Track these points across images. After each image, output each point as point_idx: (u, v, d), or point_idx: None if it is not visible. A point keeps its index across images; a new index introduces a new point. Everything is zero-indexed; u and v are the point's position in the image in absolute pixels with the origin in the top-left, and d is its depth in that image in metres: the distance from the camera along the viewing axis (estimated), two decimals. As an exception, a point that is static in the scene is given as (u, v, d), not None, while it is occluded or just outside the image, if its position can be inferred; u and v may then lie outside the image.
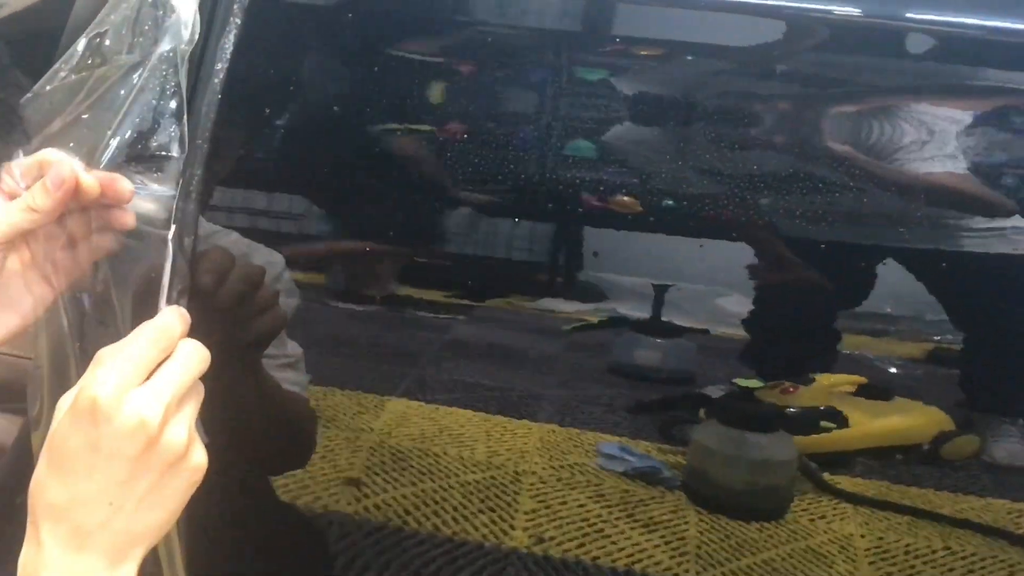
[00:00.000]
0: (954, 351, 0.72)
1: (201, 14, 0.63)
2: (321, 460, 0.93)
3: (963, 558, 0.84)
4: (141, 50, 0.60)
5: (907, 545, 0.85)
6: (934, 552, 0.84)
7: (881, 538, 0.85)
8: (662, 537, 0.89)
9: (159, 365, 0.45)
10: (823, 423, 0.85)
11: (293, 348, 0.81)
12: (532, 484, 0.94)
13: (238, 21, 0.65)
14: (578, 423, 0.91)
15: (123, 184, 0.51)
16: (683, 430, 0.86)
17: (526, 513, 0.93)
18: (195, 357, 0.46)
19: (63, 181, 0.45)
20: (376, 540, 0.95)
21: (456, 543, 0.93)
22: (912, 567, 0.84)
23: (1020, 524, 0.82)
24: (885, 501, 0.86)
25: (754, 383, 0.89)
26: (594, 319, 0.79)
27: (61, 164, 0.46)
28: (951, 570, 0.82)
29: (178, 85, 0.58)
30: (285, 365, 0.76)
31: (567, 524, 0.92)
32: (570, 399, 0.86)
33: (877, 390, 0.80)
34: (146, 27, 0.60)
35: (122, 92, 0.59)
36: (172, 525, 0.45)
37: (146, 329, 0.46)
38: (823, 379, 0.80)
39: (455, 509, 0.93)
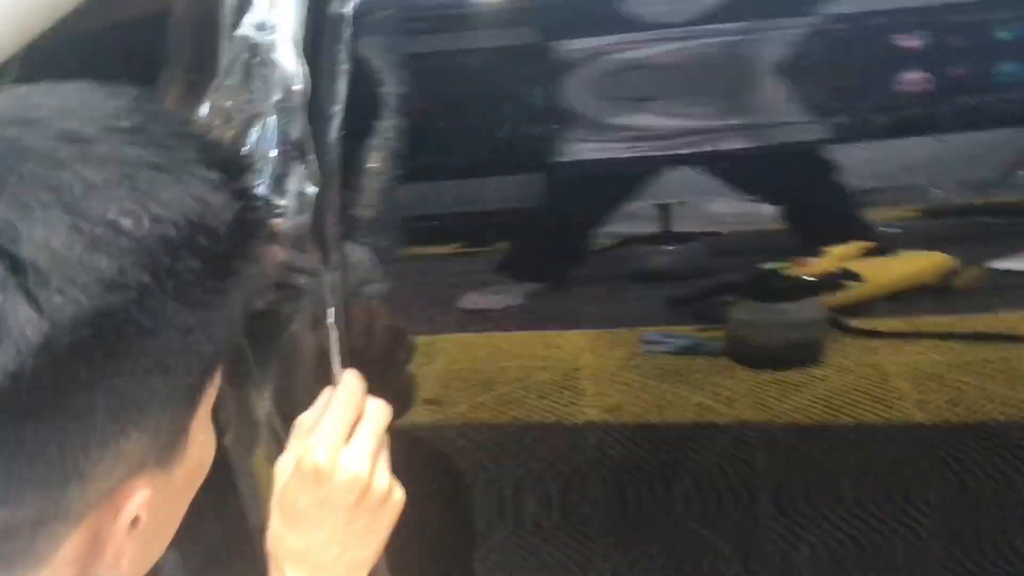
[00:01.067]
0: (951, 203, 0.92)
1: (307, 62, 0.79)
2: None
3: (988, 361, 1.10)
4: (256, 105, 0.77)
5: (937, 362, 1.11)
6: (962, 363, 1.11)
7: (909, 361, 1.11)
8: (718, 393, 1.18)
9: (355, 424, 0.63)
10: (842, 282, 1.07)
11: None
12: (590, 374, 1.22)
13: (345, 65, 0.83)
14: (618, 324, 1.15)
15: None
16: (717, 312, 1.09)
17: (591, 395, 1.22)
18: (382, 414, 0.66)
19: None
20: (464, 435, 1.26)
21: (533, 424, 1.24)
22: (943, 377, 1.11)
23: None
24: (905, 332, 1.10)
25: (778, 264, 1.10)
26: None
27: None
28: (978, 374, 1.09)
29: (300, 129, 0.76)
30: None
31: (630, 396, 1.20)
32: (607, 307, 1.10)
33: (882, 249, 1.00)
34: (257, 84, 0.78)
35: (247, 144, 0.76)
36: (382, 549, 0.66)
37: (341, 396, 0.65)
38: (833, 249, 1.01)
39: (528, 401, 1.22)
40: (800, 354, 1.07)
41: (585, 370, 1.18)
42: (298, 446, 0.64)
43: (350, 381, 0.67)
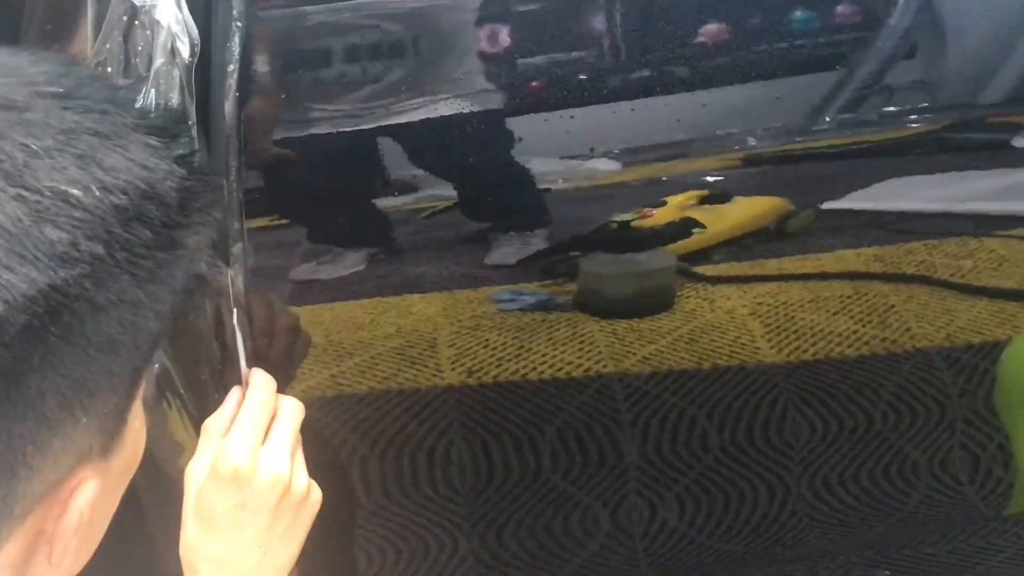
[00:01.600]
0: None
1: (198, 22, 0.77)
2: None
3: (826, 299, 1.21)
4: (139, 70, 0.75)
5: (783, 303, 1.22)
6: (801, 301, 1.22)
7: (758, 303, 1.21)
8: (573, 347, 1.26)
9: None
10: (693, 230, 1.16)
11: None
12: (447, 337, 1.28)
13: (240, 24, 0.81)
14: (466, 286, 1.21)
15: None
16: (565, 267, 1.17)
17: (450, 359, 1.29)
18: (296, 411, 0.67)
19: None
20: (329, 409, 1.32)
21: (395, 391, 1.30)
22: (790, 318, 1.22)
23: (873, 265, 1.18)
24: (752, 275, 1.20)
25: (625, 216, 1.18)
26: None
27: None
28: (818, 311, 1.20)
29: (183, 96, 0.74)
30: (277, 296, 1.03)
31: (488, 354, 1.28)
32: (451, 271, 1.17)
33: (717, 196, 1.09)
34: (139, 47, 0.76)
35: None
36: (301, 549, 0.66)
37: (255, 395, 0.66)
38: (672, 200, 1.09)
39: (384, 372, 1.29)
40: (651, 302, 1.17)
41: (441, 333, 1.25)
42: (212, 449, 0.66)
43: (261, 380, 0.69)
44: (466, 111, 0.98)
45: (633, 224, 1.07)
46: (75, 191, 0.41)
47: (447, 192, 1.03)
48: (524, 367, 1.21)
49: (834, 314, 1.14)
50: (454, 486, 1.27)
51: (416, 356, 1.22)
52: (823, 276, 1.13)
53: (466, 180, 1.04)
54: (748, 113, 0.93)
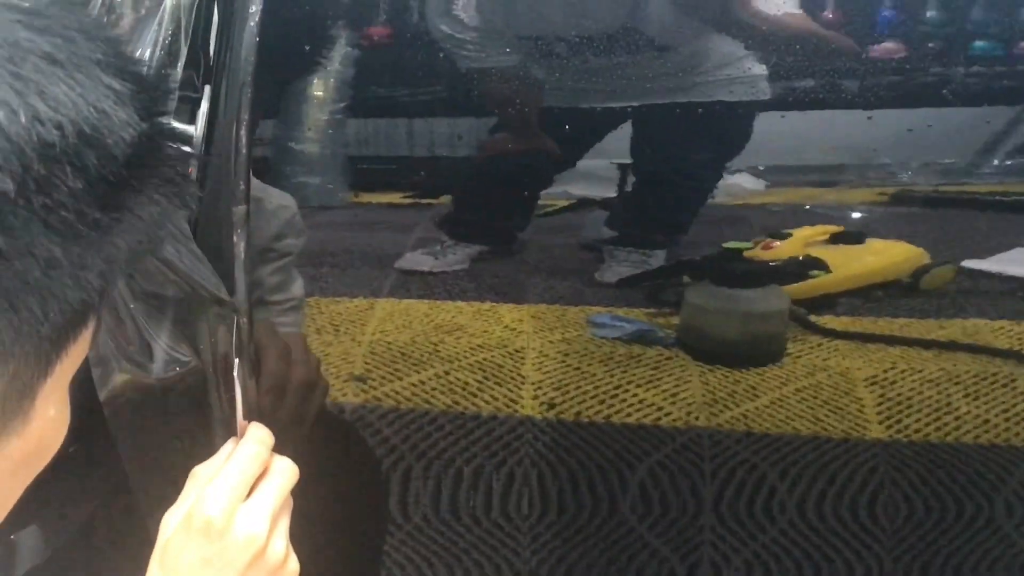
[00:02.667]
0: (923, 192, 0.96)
1: None
2: (325, 363, 1.24)
3: (955, 376, 1.14)
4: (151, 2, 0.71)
5: (902, 371, 1.16)
6: (927, 374, 1.15)
7: (877, 367, 1.15)
8: (667, 391, 1.21)
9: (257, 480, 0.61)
10: (812, 272, 1.11)
11: (297, 289, 1.08)
12: (534, 358, 1.24)
13: None
14: (563, 300, 1.17)
15: None
16: (672, 294, 1.13)
17: (533, 384, 1.25)
18: (288, 473, 0.64)
19: None
20: (391, 420, 1.28)
21: (469, 415, 1.26)
22: (911, 389, 1.15)
23: (1008, 340, 1.11)
24: (877, 335, 1.13)
25: (742, 244, 1.14)
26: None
27: None
28: (946, 388, 1.13)
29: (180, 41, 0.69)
30: (288, 309, 0.98)
31: (574, 390, 1.23)
32: (552, 280, 1.13)
33: (850, 235, 1.05)
34: None
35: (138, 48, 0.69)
36: None
37: (245, 447, 0.63)
38: (799, 232, 1.05)
39: (464, 387, 1.24)
40: (759, 350, 1.11)
41: (528, 352, 1.21)
42: (191, 497, 0.64)
43: (256, 433, 0.67)
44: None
45: (748, 255, 1.03)
46: None
47: (581, 190, 1.00)
48: (610, 407, 1.15)
49: (963, 395, 1.07)
50: (526, 525, 1.21)
51: (497, 375, 1.17)
52: (952, 347, 1.07)
53: (643, 177, 1.00)
54: (906, 143, 0.89)
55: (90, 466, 0.86)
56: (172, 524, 0.63)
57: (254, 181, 0.88)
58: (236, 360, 0.73)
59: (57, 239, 0.40)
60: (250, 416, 0.74)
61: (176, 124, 0.71)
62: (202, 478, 0.65)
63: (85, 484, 0.87)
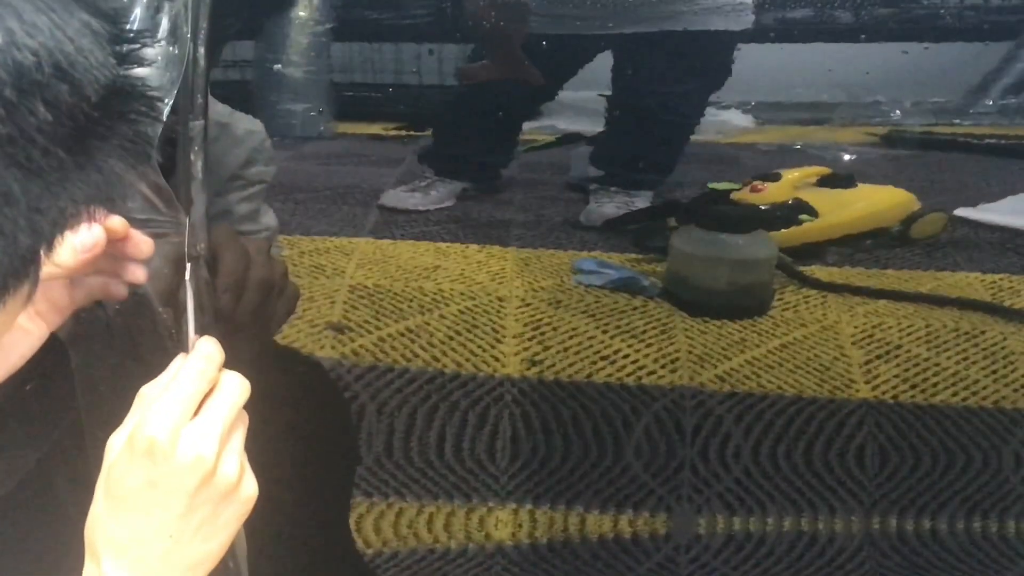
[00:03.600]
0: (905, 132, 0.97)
1: None
2: (301, 309, 1.23)
3: (945, 332, 1.14)
4: None
5: (889, 327, 1.15)
6: (916, 330, 1.15)
7: (865, 322, 1.14)
8: (651, 346, 1.20)
9: (205, 398, 0.59)
10: (801, 216, 1.11)
11: (267, 221, 1.06)
12: (516, 308, 1.24)
13: None
14: (549, 243, 1.17)
15: (143, 244, 0.60)
16: (659, 239, 1.12)
17: (515, 337, 1.24)
18: (239, 389, 0.61)
19: (93, 246, 0.53)
20: (367, 382, 1.27)
21: (449, 376, 1.25)
22: (899, 347, 1.14)
23: (999, 295, 1.10)
24: (863, 287, 1.13)
25: (729, 185, 1.13)
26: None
27: (92, 230, 0.53)
28: (936, 347, 1.13)
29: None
30: (260, 240, 1.00)
31: (557, 344, 1.22)
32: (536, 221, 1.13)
33: (840, 179, 1.05)
34: None
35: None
36: (226, 550, 0.60)
37: (190, 365, 0.60)
38: (788, 173, 1.05)
39: (442, 342, 1.24)
40: (745, 301, 1.11)
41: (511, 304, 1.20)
42: (135, 420, 0.62)
43: (205, 348, 0.64)
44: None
45: (737, 197, 1.02)
46: None
47: (568, 124, 0.99)
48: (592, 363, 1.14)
49: (946, 352, 1.07)
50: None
51: (480, 327, 1.16)
52: (940, 301, 1.07)
53: (627, 111, 1.00)
54: (902, 80, 0.89)
55: (47, 400, 0.83)
56: (116, 447, 0.61)
57: (220, 106, 0.87)
58: (187, 265, 0.71)
59: (18, 174, 0.39)
60: (204, 330, 0.71)
61: (151, 85, 0.68)
62: (148, 398, 0.63)
63: (42, 420, 0.84)
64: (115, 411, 0.68)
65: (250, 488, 0.62)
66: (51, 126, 0.40)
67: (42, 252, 0.43)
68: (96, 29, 0.42)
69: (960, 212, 0.98)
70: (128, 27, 0.45)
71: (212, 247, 0.78)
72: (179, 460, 0.59)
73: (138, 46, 0.45)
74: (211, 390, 0.62)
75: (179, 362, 0.64)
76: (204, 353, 0.63)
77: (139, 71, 0.47)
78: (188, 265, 0.71)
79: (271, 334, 0.87)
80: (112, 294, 0.64)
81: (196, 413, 0.61)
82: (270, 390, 0.73)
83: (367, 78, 0.98)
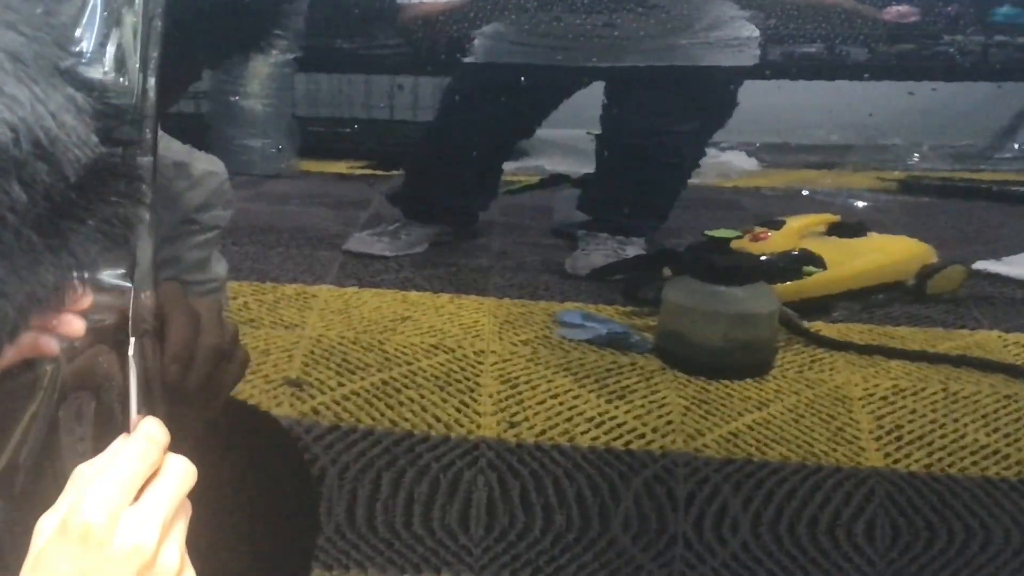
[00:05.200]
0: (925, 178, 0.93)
1: None
2: (257, 362, 1.18)
3: (964, 397, 1.10)
4: None
5: (903, 390, 1.11)
6: (932, 393, 1.11)
7: (876, 384, 1.10)
8: (640, 407, 1.16)
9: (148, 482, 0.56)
10: (807, 268, 1.07)
11: (218, 270, 1.02)
12: (493, 364, 1.19)
13: None
14: (530, 294, 1.13)
15: (74, 324, 0.58)
16: (650, 292, 1.08)
17: (491, 396, 1.20)
18: (184, 474, 0.58)
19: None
20: (328, 443, 1.22)
21: (418, 438, 1.20)
22: (913, 411, 1.10)
23: (1019, 355, 1.07)
24: (875, 346, 1.09)
25: (728, 232, 1.09)
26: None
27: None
28: (953, 412, 1.09)
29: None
30: (209, 291, 0.96)
31: (537, 404, 1.18)
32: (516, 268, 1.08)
33: (850, 227, 1.01)
34: None
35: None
36: None
37: (132, 444, 0.58)
38: (794, 221, 1.00)
39: (411, 400, 1.19)
40: (745, 359, 1.06)
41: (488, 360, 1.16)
42: (69, 501, 0.59)
43: (148, 428, 0.62)
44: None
45: (737, 246, 0.97)
46: None
47: (553, 164, 0.95)
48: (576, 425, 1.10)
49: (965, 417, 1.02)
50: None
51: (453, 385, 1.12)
52: (959, 362, 1.03)
53: (619, 151, 0.95)
54: (920, 122, 0.86)
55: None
56: (46, 530, 0.57)
57: (177, 144, 0.83)
58: (132, 340, 0.69)
59: None
60: (147, 406, 0.67)
61: (134, 164, 0.66)
62: (84, 479, 0.60)
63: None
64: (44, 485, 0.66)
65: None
66: (25, 207, 0.39)
67: (3, 338, 0.43)
68: (80, 104, 0.41)
69: (981, 265, 0.94)
70: (113, 102, 0.44)
71: (159, 310, 0.74)
72: (116, 548, 0.56)
73: (124, 124, 0.45)
74: (154, 474, 0.59)
75: (120, 443, 0.61)
76: (146, 433, 0.60)
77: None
78: (132, 340, 0.67)
79: (219, 404, 0.83)
80: (43, 350, 0.61)
81: (136, 498, 0.57)
82: (218, 463, 0.70)
83: (333, 112, 0.94)
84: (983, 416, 1.08)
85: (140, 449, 0.58)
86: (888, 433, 1.09)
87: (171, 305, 0.75)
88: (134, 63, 0.73)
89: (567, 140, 0.98)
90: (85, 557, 0.55)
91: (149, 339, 0.72)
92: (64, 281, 0.43)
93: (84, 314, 0.60)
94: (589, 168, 0.98)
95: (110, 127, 0.43)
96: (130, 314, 0.66)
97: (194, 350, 0.74)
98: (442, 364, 1.17)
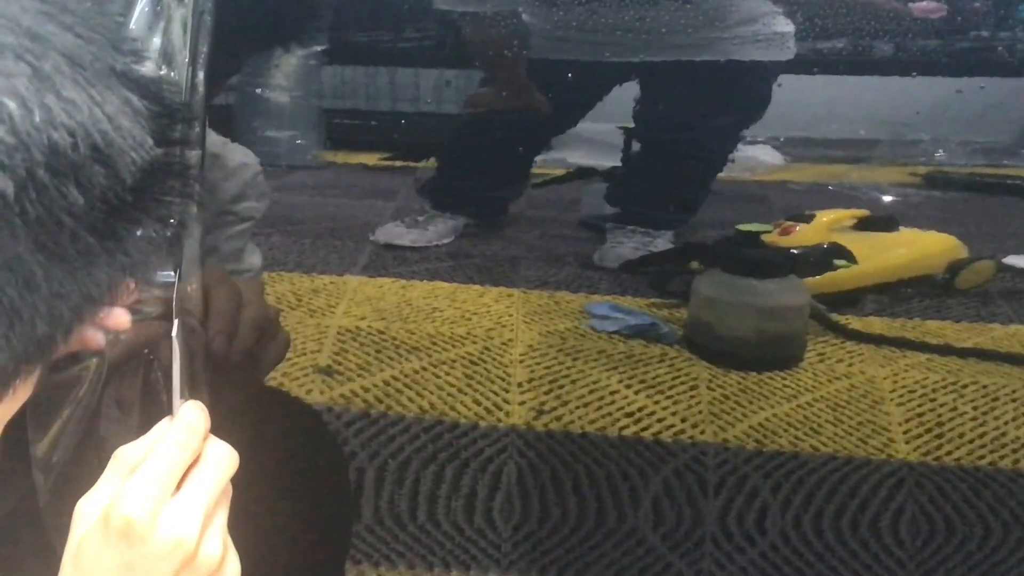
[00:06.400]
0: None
1: None
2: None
3: (996, 391, 1.14)
4: None
5: (934, 384, 1.14)
6: (962, 387, 1.14)
7: (905, 378, 1.13)
8: (669, 398, 1.20)
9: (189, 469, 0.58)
10: (837, 262, 1.10)
11: (253, 260, 1.06)
12: (523, 354, 1.23)
13: None
14: (559, 285, 1.16)
15: (122, 318, 0.59)
16: (679, 284, 1.12)
17: (519, 386, 1.24)
18: (226, 461, 0.60)
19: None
20: (359, 429, 1.26)
21: (448, 425, 1.24)
22: (943, 405, 1.13)
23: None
24: (905, 339, 1.12)
25: (759, 226, 1.13)
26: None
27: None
28: (983, 406, 1.12)
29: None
30: (254, 281, 0.99)
31: (566, 394, 1.22)
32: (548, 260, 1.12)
33: (880, 221, 1.04)
34: None
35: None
36: None
37: (173, 434, 0.60)
38: (823, 215, 1.04)
39: (440, 389, 1.23)
40: (775, 352, 1.09)
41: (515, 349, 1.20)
42: (112, 487, 0.61)
43: (190, 415, 0.64)
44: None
45: (767, 240, 1.01)
46: (11, 103, 0.38)
47: (582, 158, 0.99)
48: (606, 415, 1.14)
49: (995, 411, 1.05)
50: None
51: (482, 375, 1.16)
52: (988, 356, 1.05)
53: (649, 145, 0.98)
54: (947, 117, 0.89)
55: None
56: (87, 516, 0.60)
57: (213, 135, 0.87)
58: (175, 322, 0.73)
59: (42, 258, 0.40)
60: (191, 388, 0.71)
61: (187, 164, 0.69)
62: (125, 463, 0.62)
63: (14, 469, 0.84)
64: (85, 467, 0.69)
65: (233, 568, 0.61)
66: (81, 209, 0.40)
67: (59, 338, 0.44)
68: (136, 107, 0.42)
69: (1011, 260, 0.97)
70: (168, 102, 0.45)
71: (203, 287, 0.79)
72: (158, 542, 0.58)
73: (177, 124, 0.46)
74: (195, 461, 0.61)
75: (163, 427, 0.64)
76: (187, 423, 0.63)
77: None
78: (176, 322, 0.70)
79: (261, 380, 0.88)
80: (89, 344, 0.63)
81: (178, 487, 0.60)
82: (258, 439, 0.74)
83: (359, 104, 0.98)
84: (1015, 411, 1.10)
85: (181, 440, 0.60)
86: (918, 426, 1.12)
87: (215, 282, 0.77)
88: (183, 58, 0.77)
89: (595, 134, 1.01)
90: (128, 551, 0.57)
91: (193, 320, 0.76)
92: (118, 280, 0.44)
93: (131, 308, 0.66)
94: (615, 162, 1.01)
95: (164, 127, 0.44)
96: (174, 298, 0.69)
97: (237, 323, 0.77)
98: (471, 354, 1.20)
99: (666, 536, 1.07)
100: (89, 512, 0.59)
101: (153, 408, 0.85)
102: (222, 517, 0.60)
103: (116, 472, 0.61)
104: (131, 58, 0.44)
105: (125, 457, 0.61)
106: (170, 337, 0.71)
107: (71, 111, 0.39)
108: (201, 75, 0.77)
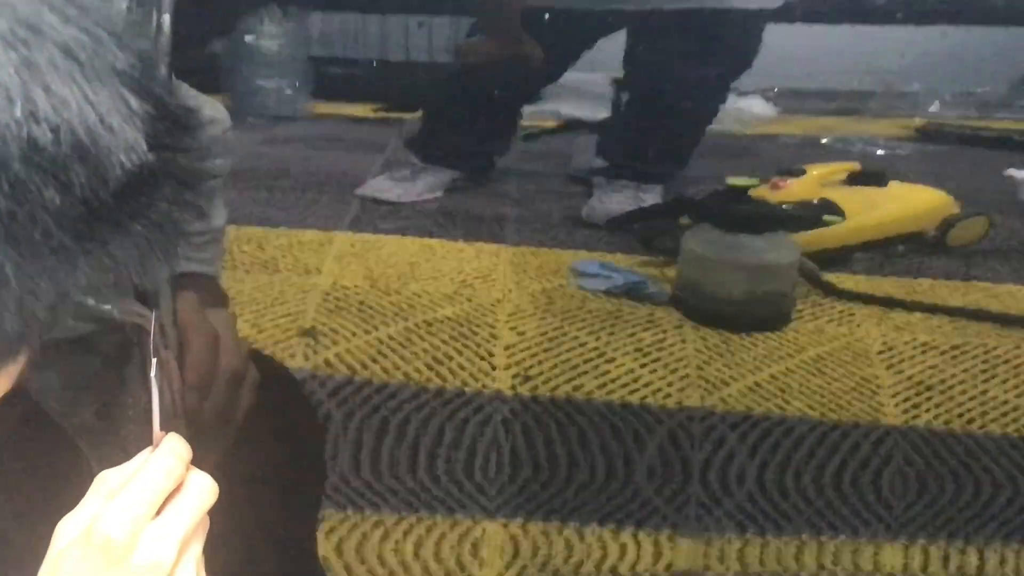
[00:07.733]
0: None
1: None
2: (271, 311, 1.24)
3: (985, 352, 1.17)
4: None
5: (924, 343, 1.16)
6: (953, 348, 1.13)
7: (895, 338, 1.15)
8: (657, 360, 1.21)
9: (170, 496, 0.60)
10: (827, 217, 1.12)
11: (217, 222, 1.07)
12: (510, 315, 1.25)
13: None
14: (547, 241, 1.18)
15: None
16: (669, 241, 1.13)
17: (506, 348, 1.25)
18: (206, 492, 0.61)
19: None
20: (342, 398, 1.27)
21: (431, 391, 1.26)
22: (933, 367, 1.15)
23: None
24: (894, 299, 1.14)
25: (748, 180, 1.14)
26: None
27: None
28: (973, 367, 1.14)
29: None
30: (206, 242, 0.93)
31: (553, 357, 1.23)
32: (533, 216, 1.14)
33: (871, 176, 1.06)
34: None
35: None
36: None
37: (158, 459, 0.61)
38: (814, 169, 1.05)
39: (425, 352, 1.25)
40: (764, 311, 1.11)
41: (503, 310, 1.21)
42: (93, 508, 0.62)
43: (170, 444, 0.65)
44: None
45: (756, 194, 1.02)
46: None
47: (571, 109, 1.01)
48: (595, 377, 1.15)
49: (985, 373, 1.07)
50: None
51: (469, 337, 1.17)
52: (979, 316, 1.07)
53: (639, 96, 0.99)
54: (941, 68, 0.91)
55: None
56: (67, 534, 0.62)
57: (185, 87, 0.88)
58: (153, 360, 0.75)
59: (12, 252, 0.40)
60: (167, 423, 0.74)
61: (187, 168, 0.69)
62: (106, 487, 0.64)
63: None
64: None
65: None
66: (58, 208, 0.40)
67: (32, 336, 0.44)
68: (133, 108, 0.42)
69: (1010, 172, 0.98)
70: (172, 108, 0.45)
71: (179, 332, 0.81)
72: (135, 563, 0.60)
73: (177, 129, 0.45)
74: (176, 489, 0.63)
75: (145, 455, 0.65)
76: (172, 449, 0.65)
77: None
78: (154, 361, 0.76)
79: (232, 431, 0.86)
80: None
81: (158, 513, 0.61)
82: (234, 489, 0.75)
83: (348, 53, 1.00)
84: (1004, 372, 1.12)
85: (166, 466, 0.62)
86: (908, 388, 1.14)
87: (190, 326, 0.78)
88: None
89: (584, 84, 1.03)
90: (104, 569, 0.59)
91: (170, 356, 0.77)
92: (101, 282, 0.44)
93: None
94: (606, 113, 1.03)
95: (161, 132, 0.43)
96: (151, 334, 0.75)
97: (214, 374, 0.78)
98: (458, 314, 1.22)
99: (657, 491, 1.08)
100: (69, 531, 0.61)
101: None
102: (197, 547, 0.62)
103: (98, 493, 0.63)
104: (135, 58, 0.43)
105: (108, 480, 0.63)
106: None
107: (58, 107, 0.39)
108: (167, 17, 0.78)
